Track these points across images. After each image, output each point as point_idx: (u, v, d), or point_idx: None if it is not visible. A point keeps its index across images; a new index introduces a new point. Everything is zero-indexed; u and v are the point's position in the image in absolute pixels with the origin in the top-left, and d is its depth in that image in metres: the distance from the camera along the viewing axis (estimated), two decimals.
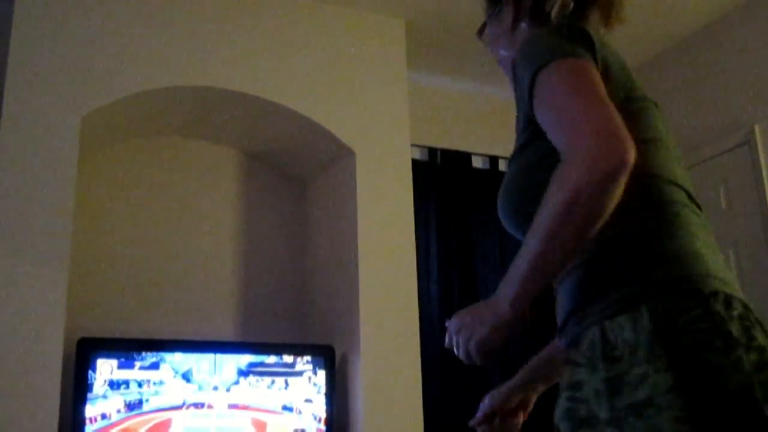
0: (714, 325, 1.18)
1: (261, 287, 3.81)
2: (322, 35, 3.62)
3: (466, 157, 4.33)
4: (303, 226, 3.97)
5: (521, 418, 1.77)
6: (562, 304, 1.35)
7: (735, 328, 1.18)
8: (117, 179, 3.62)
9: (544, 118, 1.28)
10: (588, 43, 1.34)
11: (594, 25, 1.52)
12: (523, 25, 1.56)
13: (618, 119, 1.18)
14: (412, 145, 3.83)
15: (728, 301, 1.22)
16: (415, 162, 3.82)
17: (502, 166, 4.36)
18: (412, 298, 3.50)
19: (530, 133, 1.35)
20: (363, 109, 3.63)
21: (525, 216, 1.31)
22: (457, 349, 1.33)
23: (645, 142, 1.31)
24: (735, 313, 1.21)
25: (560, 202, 1.17)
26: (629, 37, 4.03)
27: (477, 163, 4.38)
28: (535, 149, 1.34)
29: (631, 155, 1.15)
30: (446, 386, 3.84)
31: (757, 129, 3.66)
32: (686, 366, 1.15)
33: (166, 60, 3.27)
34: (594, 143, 1.16)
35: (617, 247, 1.28)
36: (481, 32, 1.70)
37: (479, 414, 1.78)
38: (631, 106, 1.34)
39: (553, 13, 1.49)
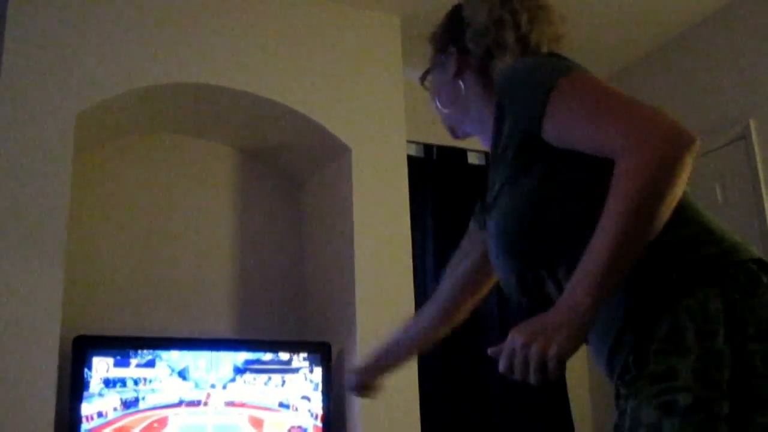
0: None
1: (257, 284, 3.81)
2: (317, 31, 3.62)
3: (462, 153, 4.33)
4: (299, 223, 3.97)
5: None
6: (603, 332, 1.27)
7: None
8: (112, 177, 3.62)
9: (576, 129, 1.26)
10: (576, 65, 1.36)
11: None
12: (467, 77, 1.59)
13: (640, 104, 1.20)
14: (408, 142, 3.83)
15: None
16: (410, 158, 3.82)
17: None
18: (408, 294, 3.50)
19: (523, 161, 1.34)
20: (359, 106, 3.63)
21: (523, 249, 1.32)
22: (526, 367, 1.14)
23: None
24: None
25: (635, 191, 1.13)
26: (624, 33, 4.03)
27: (473, 159, 4.38)
28: (536, 175, 1.32)
29: (694, 132, 1.15)
30: (443, 381, 3.84)
31: (752, 124, 3.66)
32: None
33: (161, 57, 3.26)
34: (654, 127, 1.15)
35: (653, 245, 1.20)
36: (423, 79, 1.73)
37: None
38: None
39: (497, 72, 1.52)
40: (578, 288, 1.14)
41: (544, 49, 1.51)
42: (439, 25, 1.71)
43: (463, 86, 1.60)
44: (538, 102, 1.28)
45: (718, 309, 1.15)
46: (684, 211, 1.29)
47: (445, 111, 1.67)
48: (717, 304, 1.16)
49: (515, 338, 1.15)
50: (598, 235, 1.15)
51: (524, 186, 1.34)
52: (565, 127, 1.27)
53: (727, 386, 1.11)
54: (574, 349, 1.12)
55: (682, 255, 1.24)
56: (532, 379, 1.13)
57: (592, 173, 1.27)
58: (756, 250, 1.28)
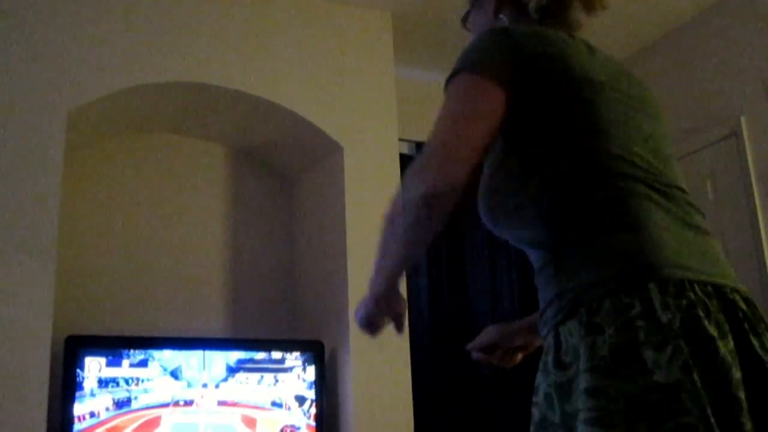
0: (650, 320, 1.16)
1: (250, 283, 3.80)
2: (308, 29, 3.61)
3: None
4: (291, 222, 3.96)
5: (519, 357, 1.79)
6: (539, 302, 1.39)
7: (677, 318, 1.16)
8: (104, 175, 3.60)
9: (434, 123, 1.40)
10: (515, 51, 1.35)
11: (577, 12, 1.53)
12: (503, 16, 1.57)
13: (466, 140, 1.31)
14: (400, 140, 3.83)
15: (680, 288, 1.19)
16: (403, 156, 3.81)
17: None
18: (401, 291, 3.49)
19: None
20: (350, 104, 3.62)
21: (494, 211, 1.42)
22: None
23: (595, 132, 1.32)
24: (684, 302, 1.17)
25: (406, 204, 1.38)
26: (616, 29, 4.04)
27: None
28: (489, 160, 1.44)
29: (443, 186, 1.28)
30: (436, 380, 3.85)
31: (743, 121, 3.67)
32: (608, 366, 1.16)
33: (154, 56, 3.25)
34: (428, 162, 1.33)
35: (572, 248, 1.28)
36: (465, 20, 1.70)
37: (479, 341, 1.80)
38: (579, 94, 1.34)
39: (532, 5, 1.51)
40: (379, 273, 1.52)
41: None
42: None
43: (507, 22, 1.56)
44: (444, 83, 1.43)
45: (572, 343, 1.23)
46: (607, 209, 1.28)
47: None
48: (572, 339, 1.23)
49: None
50: (401, 225, 1.43)
51: (485, 168, 1.46)
52: None
53: (562, 416, 1.23)
54: (372, 318, 1.53)
55: (575, 274, 1.27)
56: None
57: (524, 160, 1.36)
58: (703, 270, 1.24)
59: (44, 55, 3.05)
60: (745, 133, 3.66)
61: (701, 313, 1.17)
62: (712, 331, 1.16)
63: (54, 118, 3.01)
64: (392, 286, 1.47)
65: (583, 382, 1.17)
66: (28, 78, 3.00)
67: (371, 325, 1.54)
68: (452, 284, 4.11)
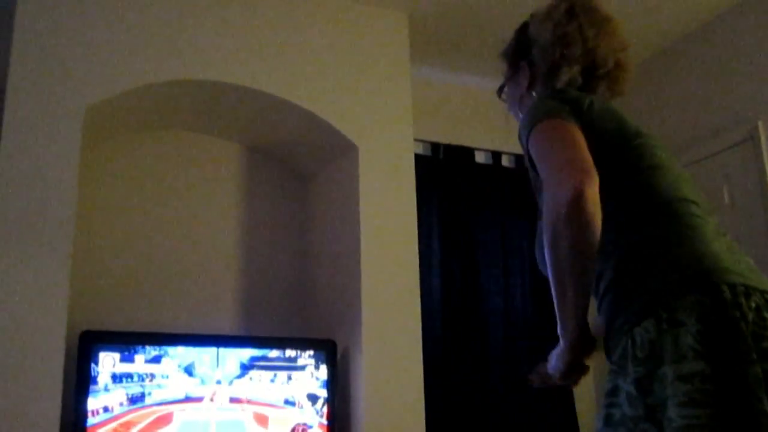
0: (723, 318, 1.30)
1: (263, 281, 3.81)
2: (325, 29, 3.62)
3: (469, 152, 4.33)
4: (306, 221, 3.97)
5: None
6: (606, 327, 1.51)
7: (750, 317, 1.30)
8: (120, 172, 3.62)
9: (538, 167, 1.49)
10: (574, 105, 1.53)
11: (600, 94, 1.71)
12: (536, 92, 1.73)
13: (577, 153, 1.41)
14: (415, 140, 3.83)
15: (747, 292, 1.34)
16: (417, 157, 3.81)
17: (505, 161, 4.36)
18: (414, 292, 3.50)
19: (541, 186, 1.53)
20: (366, 104, 3.62)
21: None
22: (549, 378, 1.61)
23: (651, 168, 1.52)
24: (753, 303, 1.32)
25: (546, 239, 1.38)
26: (632, 33, 4.01)
27: (480, 158, 4.37)
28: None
29: (586, 182, 1.34)
30: (448, 380, 3.84)
31: (761, 125, 3.65)
32: (690, 357, 1.28)
33: (170, 53, 3.27)
34: (555, 183, 1.38)
35: (636, 263, 1.43)
36: (500, 91, 1.87)
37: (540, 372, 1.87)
38: (631, 143, 1.54)
39: (560, 85, 1.67)
40: (558, 331, 1.48)
41: (611, 61, 1.69)
42: (509, 41, 1.84)
43: (536, 97, 1.72)
44: (525, 141, 1.53)
45: (649, 338, 1.34)
46: (663, 229, 1.45)
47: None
48: (649, 335, 1.34)
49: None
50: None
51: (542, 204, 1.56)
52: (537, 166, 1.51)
53: (645, 409, 1.32)
54: (563, 368, 1.51)
55: (641, 281, 1.41)
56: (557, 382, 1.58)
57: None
58: (757, 279, 1.40)
59: (62, 52, 3.07)
60: (762, 137, 3.64)
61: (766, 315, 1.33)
62: None
63: (71, 114, 3.03)
64: (582, 326, 1.45)
65: (671, 372, 1.29)
66: (45, 75, 3.02)
67: (570, 375, 1.54)
68: (465, 284, 4.10)
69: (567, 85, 1.66)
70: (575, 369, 1.52)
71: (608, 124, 1.55)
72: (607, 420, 1.39)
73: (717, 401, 1.25)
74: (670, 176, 1.53)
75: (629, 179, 1.51)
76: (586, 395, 4.22)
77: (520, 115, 1.78)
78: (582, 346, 1.46)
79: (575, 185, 1.34)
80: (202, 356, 3.20)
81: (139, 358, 3.10)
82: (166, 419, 3.07)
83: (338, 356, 3.43)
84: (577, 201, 1.33)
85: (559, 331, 1.47)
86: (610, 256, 1.46)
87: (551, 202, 1.36)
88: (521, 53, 1.77)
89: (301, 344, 3.41)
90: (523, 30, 1.79)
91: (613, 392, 1.39)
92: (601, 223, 1.37)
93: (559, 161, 1.41)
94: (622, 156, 1.52)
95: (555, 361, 1.53)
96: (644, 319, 1.36)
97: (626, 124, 1.58)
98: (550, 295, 1.44)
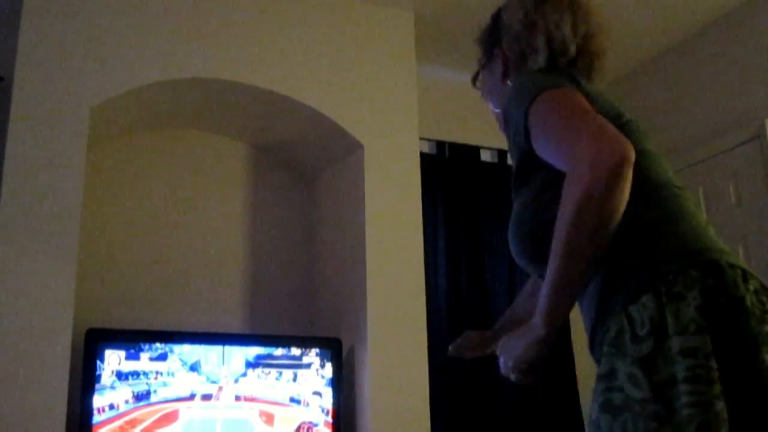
0: (728, 295, 1.26)
1: (269, 280, 3.82)
2: (331, 28, 3.62)
3: (475, 150, 4.33)
4: (311, 219, 3.97)
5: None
6: (587, 318, 1.42)
7: (749, 299, 1.27)
8: (126, 171, 3.63)
9: (544, 145, 1.38)
10: (570, 78, 1.48)
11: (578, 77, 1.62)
12: (510, 81, 1.66)
13: (608, 124, 1.29)
14: (421, 139, 3.83)
15: (745, 275, 1.30)
16: (423, 155, 3.81)
17: (511, 160, 4.35)
18: (419, 291, 3.50)
19: (525, 171, 1.47)
20: (372, 103, 3.63)
21: (534, 247, 1.43)
22: (503, 370, 1.45)
23: (639, 152, 1.36)
24: (751, 287, 1.29)
25: (571, 210, 1.25)
26: (638, 31, 4.02)
27: (485, 156, 4.37)
28: (533, 185, 1.46)
29: (631, 151, 1.24)
30: (453, 378, 3.84)
31: (767, 124, 3.64)
32: (692, 330, 1.23)
33: (176, 52, 3.27)
34: (594, 147, 1.24)
35: (628, 243, 1.35)
36: (475, 79, 1.80)
37: (460, 343, 1.86)
38: (620, 126, 1.40)
39: (533, 68, 1.60)
40: (537, 312, 1.34)
41: (573, 48, 1.59)
42: (484, 27, 1.77)
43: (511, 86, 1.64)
44: (523, 117, 1.41)
45: (648, 314, 1.26)
46: (657, 210, 1.39)
47: (497, 111, 1.72)
48: (648, 311, 1.26)
49: (498, 348, 1.46)
50: (550, 257, 1.31)
51: (525, 195, 1.48)
52: (536, 143, 1.40)
53: (652, 389, 1.22)
54: (527, 361, 1.38)
55: (637, 258, 1.34)
56: (511, 378, 1.44)
57: None
58: (725, 253, 1.35)
59: (67, 52, 3.08)
60: None
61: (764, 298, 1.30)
62: None
63: (77, 114, 3.03)
64: (558, 319, 1.35)
65: (677, 344, 1.23)
66: (51, 75, 3.03)
67: (529, 371, 1.41)
68: (470, 283, 4.10)
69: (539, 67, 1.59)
70: (540, 364, 1.40)
71: (600, 102, 1.47)
72: (606, 406, 1.27)
73: (725, 378, 1.21)
74: (657, 160, 1.48)
75: None
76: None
77: (491, 106, 1.75)
78: (549, 345, 1.37)
79: (620, 152, 1.23)
80: (207, 354, 3.20)
81: (145, 355, 3.11)
82: (171, 417, 3.08)
83: (344, 354, 3.43)
84: (622, 169, 1.23)
85: (538, 316, 1.34)
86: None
87: (586, 171, 1.23)
88: (495, 40, 1.71)
89: (307, 342, 3.41)
90: (497, 16, 1.73)
91: (609, 375, 1.28)
92: None
93: (591, 128, 1.28)
94: None
95: (520, 349, 1.39)
96: (642, 295, 1.27)
97: (613, 103, 1.52)
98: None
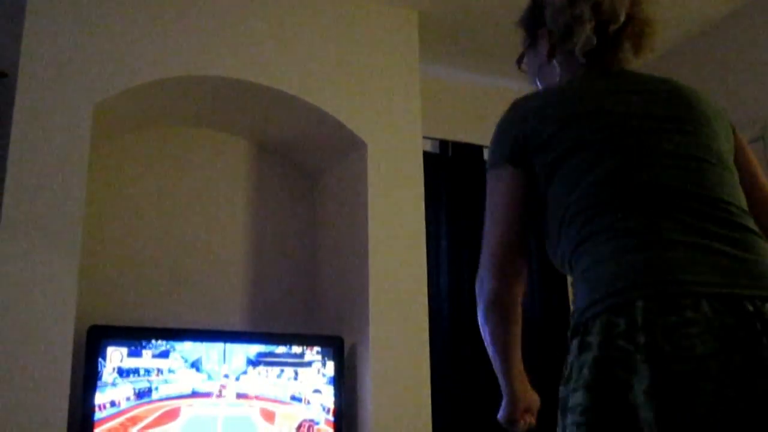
0: (629, 337, 1.23)
1: (271, 277, 3.82)
2: (334, 25, 3.62)
3: (478, 149, 4.32)
4: (313, 217, 3.97)
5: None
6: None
7: (658, 336, 1.21)
8: (128, 168, 3.63)
9: None
10: (509, 135, 1.54)
11: (625, 52, 1.59)
12: (556, 60, 1.63)
13: (503, 248, 1.52)
14: (424, 138, 3.82)
15: (673, 305, 1.23)
16: (426, 154, 3.81)
17: None
18: (421, 289, 3.50)
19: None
20: (375, 101, 3.62)
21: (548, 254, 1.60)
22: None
23: (562, 187, 1.45)
24: (673, 318, 1.22)
25: (478, 311, 1.59)
26: None
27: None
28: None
29: (498, 293, 1.53)
30: (455, 378, 3.84)
31: None
32: (580, 384, 1.28)
33: (179, 49, 3.27)
34: (481, 272, 1.56)
35: (578, 277, 1.42)
36: (520, 61, 1.77)
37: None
38: (558, 158, 1.44)
39: (577, 49, 1.56)
40: None
41: (622, 14, 1.55)
42: (525, 8, 1.73)
43: (557, 67, 1.63)
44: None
45: (569, 359, 1.34)
46: (588, 257, 1.39)
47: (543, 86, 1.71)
48: (570, 356, 1.34)
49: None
50: None
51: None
52: None
53: (562, 428, 1.33)
54: (504, 418, 1.65)
55: (575, 304, 1.41)
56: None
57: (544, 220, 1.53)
58: (649, 286, 1.28)
59: (71, 48, 3.08)
60: None
61: (692, 331, 1.20)
62: (699, 349, 1.19)
63: (80, 111, 3.03)
64: (513, 387, 1.61)
65: (573, 398, 1.28)
66: (55, 71, 3.03)
67: (512, 423, 1.65)
68: (473, 282, 4.07)
69: (583, 46, 1.54)
70: (514, 421, 1.63)
71: (542, 138, 1.48)
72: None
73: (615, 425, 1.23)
74: (586, 186, 1.42)
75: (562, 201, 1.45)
76: None
77: (541, 84, 1.71)
78: (515, 403, 1.60)
79: (492, 290, 1.52)
80: (209, 351, 3.20)
81: (147, 353, 3.11)
82: (173, 414, 3.08)
83: (345, 353, 3.43)
84: (493, 305, 1.53)
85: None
86: (567, 266, 1.49)
87: (477, 287, 1.57)
88: (538, 20, 1.65)
89: (308, 340, 3.41)
90: None
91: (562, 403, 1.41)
92: (555, 241, 1.47)
93: (486, 248, 1.53)
94: (548, 178, 1.48)
95: (501, 409, 1.64)
96: (573, 338, 1.36)
97: (565, 125, 1.47)
98: (557, 295, 1.45)
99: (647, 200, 1.35)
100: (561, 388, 1.35)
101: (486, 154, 4.29)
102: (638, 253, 1.31)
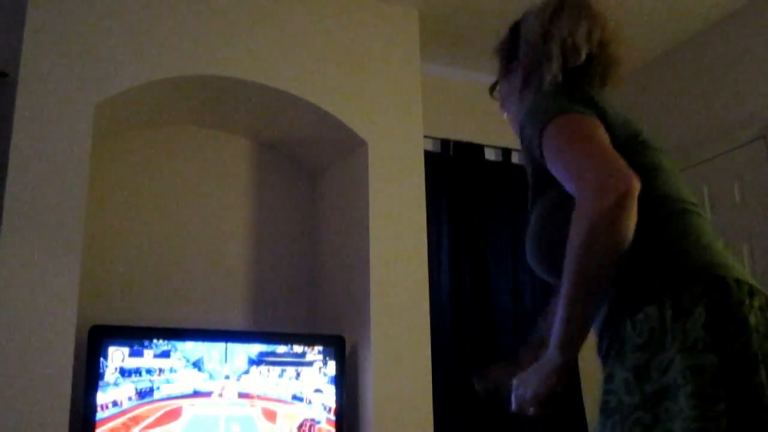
0: (730, 312, 1.29)
1: (272, 277, 3.82)
2: (335, 25, 3.62)
3: (479, 149, 4.32)
4: (315, 217, 3.97)
5: None
6: (595, 323, 1.46)
7: (753, 317, 1.29)
8: (130, 168, 3.63)
9: (554, 168, 1.43)
10: (586, 100, 1.49)
11: (590, 86, 1.63)
12: (528, 91, 1.68)
13: (615, 156, 1.34)
14: (425, 137, 3.82)
15: (752, 292, 1.32)
16: (427, 153, 3.81)
17: (515, 158, 4.34)
18: (422, 289, 3.50)
19: (541, 184, 1.51)
20: (376, 100, 3.62)
21: (550, 261, 1.46)
22: (516, 406, 1.47)
23: (654, 169, 1.48)
24: (756, 303, 1.31)
25: (578, 241, 1.30)
26: (643, 31, 4.01)
27: (490, 155, 4.36)
28: (549, 198, 1.49)
29: (633, 182, 1.29)
30: (456, 377, 3.84)
31: None
32: (700, 348, 1.26)
33: (180, 49, 3.27)
34: (597, 180, 1.30)
35: (640, 258, 1.38)
36: (492, 90, 1.84)
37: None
38: (635, 145, 1.49)
39: (545, 84, 1.61)
40: (551, 342, 1.37)
41: (583, 54, 1.60)
42: (503, 38, 1.80)
43: (526, 97, 1.68)
44: (537, 136, 1.46)
45: (650, 325, 1.32)
46: (666, 228, 1.43)
47: (514, 122, 1.75)
48: (650, 323, 1.32)
49: (513, 384, 1.48)
50: (562, 286, 1.35)
51: (540, 208, 1.53)
52: (549, 164, 1.45)
53: (642, 397, 1.30)
54: (546, 391, 1.39)
55: (645, 273, 1.38)
56: (523, 412, 1.46)
57: None
58: (733, 269, 1.37)
59: (72, 48, 3.08)
60: None
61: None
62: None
63: (81, 110, 3.03)
64: (576, 350, 1.37)
65: (680, 361, 1.27)
66: (56, 71, 3.03)
67: (548, 403, 1.41)
68: (474, 281, 4.10)
69: (549, 81, 1.60)
70: (558, 395, 1.40)
71: (617, 122, 1.50)
72: (603, 408, 1.37)
73: (728, 397, 1.24)
74: (671, 177, 1.52)
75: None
76: (596, 395, 4.21)
77: (509, 117, 1.78)
78: (564, 376, 1.38)
79: (623, 185, 1.28)
80: (210, 351, 3.20)
81: (148, 352, 3.11)
82: (174, 414, 3.08)
83: (346, 352, 3.43)
84: (624, 205, 1.27)
85: (553, 348, 1.36)
86: None
87: (590, 202, 1.29)
88: (513, 53, 1.73)
89: (310, 340, 3.41)
90: (515, 29, 1.75)
91: (608, 379, 1.38)
92: None
93: (598, 160, 1.33)
94: (628, 155, 1.40)
95: (537, 382, 1.40)
96: (646, 305, 1.34)
97: (629, 121, 1.54)
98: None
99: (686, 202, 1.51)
100: (632, 353, 1.32)
101: (487, 154, 4.32)
102: (702, 238, 1.44)
